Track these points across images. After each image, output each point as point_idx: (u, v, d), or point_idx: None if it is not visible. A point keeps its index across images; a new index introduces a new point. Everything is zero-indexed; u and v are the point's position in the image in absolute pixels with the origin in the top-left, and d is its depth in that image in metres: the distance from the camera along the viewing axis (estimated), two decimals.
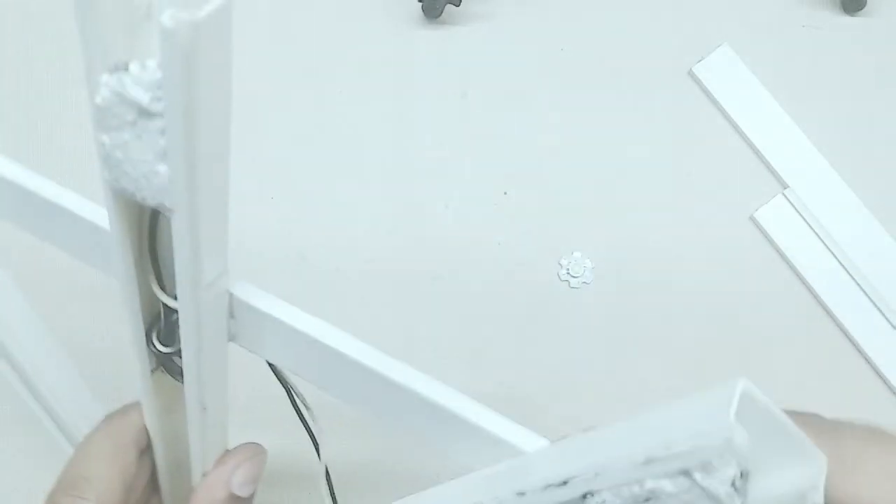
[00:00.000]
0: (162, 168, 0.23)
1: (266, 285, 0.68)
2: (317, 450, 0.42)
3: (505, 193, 0.72)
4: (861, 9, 0.76)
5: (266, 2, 0.76)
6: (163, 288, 0.29)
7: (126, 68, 0.22)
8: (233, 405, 0.37)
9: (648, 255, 0.70)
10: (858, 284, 0.70)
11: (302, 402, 0.39)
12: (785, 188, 0.72)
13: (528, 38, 0.76)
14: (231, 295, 0.31)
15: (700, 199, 0.72)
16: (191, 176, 0.23)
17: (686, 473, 0.21)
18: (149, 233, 0.28)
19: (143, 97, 0.22)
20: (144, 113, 0.22)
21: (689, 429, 0.21)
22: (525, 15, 0.76)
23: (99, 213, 0.29)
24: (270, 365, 0.37)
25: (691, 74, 0.75)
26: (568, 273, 0.69)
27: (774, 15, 0.77)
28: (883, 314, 0.69)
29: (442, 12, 0.74)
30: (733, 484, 0.22)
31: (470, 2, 0.76)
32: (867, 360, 0.69)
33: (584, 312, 0.69)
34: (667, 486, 0.22)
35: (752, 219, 0.71)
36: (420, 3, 0.73)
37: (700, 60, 0.75)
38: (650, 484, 0.22)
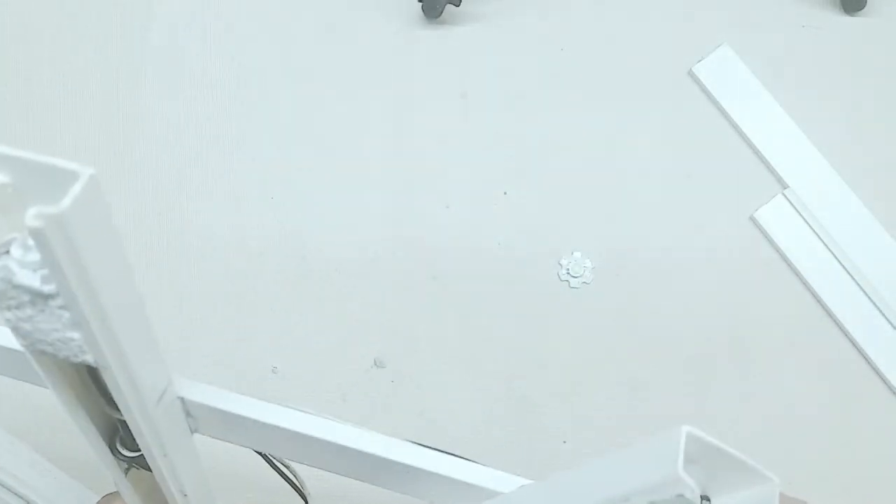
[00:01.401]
0: (75, 334, 0.22)
1: (266, 285, 0.68)
2: (305, 502, 0.42)
3: (505, 193, 0.72)
4: (861, 9, 0.76)
5: (266, 2, 0.76)
6: (113, 404, 0.29)
7: (8, 251, 0.21)
8: (219, 474, 0.37)
9: (648, 255, 0.70)
10: (858, 284, 0.70)
11: (283, 464, 0.39)
12: (785, 188, 0.72)
13: (528, 38, 0.76)
14: (183, 399, 0.31)
15: (700, 199, 0.72)
16: (109, 337, 0.22)
17: None
18: (78, 367, 0.27)
19: (33, 280, 0.21)
20: (39, 294, 0.21)
21: (644, 481, 0.22)
22: (525, 15, 0.77)
23: None
24: None
25: (691, 74, 0.75)
26: (568, 273, 0.69)
27: (774, 15, 0.77)
28: (883, 314, 0.69)
29: (442, 12, 0.74)
30: None
31: (470, 2, 0.76)
32: (867, 361, 0.69)
33: (584, 312, 0.69)
34: None
35: (752, 219, 0.71)
36: (420, 3, 0.73)
37: (700, 60, 0.75)
38: None
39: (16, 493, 0.43)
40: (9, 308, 0.22)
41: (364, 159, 0.72)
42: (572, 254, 0.70)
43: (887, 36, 0.77)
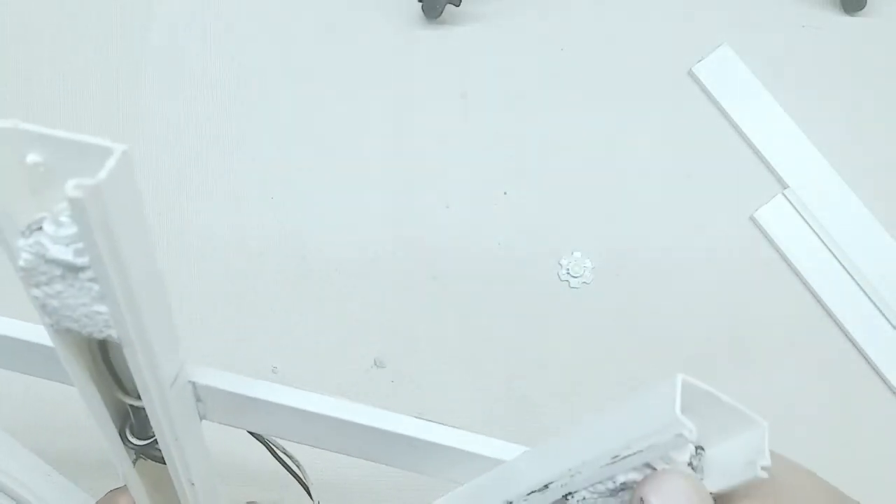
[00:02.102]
0: (102, 308, 0.23)
1: (266, 285, 0.68)
2: (309, 494, 0.42)
3: (505, 193, 0.72)
4: (861, 9, 0.76)
5: (266, 2, 0.76)
6: (125, 390, 0.30)
7: (41, 227, 0.22)
8: (221, 465, 0.37)
9: (648, 255, 0.70)
10: (858, 284, 0.70)
11: (285, 453, 0.39)
12: (785, 188, 0.72)
13: (528, 38, 0.76)
14: (194, 383, 0.32)
15: (700, 199, 0.72)
16: (133, 312, 0.23)
17: (649, 465, 0.24)
18: (99, 349, 0.29)
19: (67, 254, 0.22)
20: (71, 267, 0.22)
21: (644, 428, 0.23)
22: (525, 15, 0.76)
23: (43, 333, 0.30)
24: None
25: (691, 74, 0.75)
26: (568, 273, 0.69)
27: (774, 15, 0.77)
28: (883, 314, 0.69)
29: (442, 12, 0.74)
30: (690, 463, 0.25)
31: (470, 2, 0.76)
32: (867, 360, 0.69)
33: (584, 312, 0.69)
34: (635, 476, 0.25)
35: (752, 219, 0.71)
36: (420, 3, 0.73)
37: (700, 60, 0.75)
38: (621, 478, 0.25)
39: (16, 499, 0.44)
40: (38, 285, 0.23)
41: (364, 159, 0.72)
42: (572, 254, 0.70)
43: (887, 36, 0.77)
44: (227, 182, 0.71)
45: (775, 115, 0.74)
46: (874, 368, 0.68)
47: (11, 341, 0.32)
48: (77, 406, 0.29)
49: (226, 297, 0.68)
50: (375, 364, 0.67)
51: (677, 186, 0.72)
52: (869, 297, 0.69)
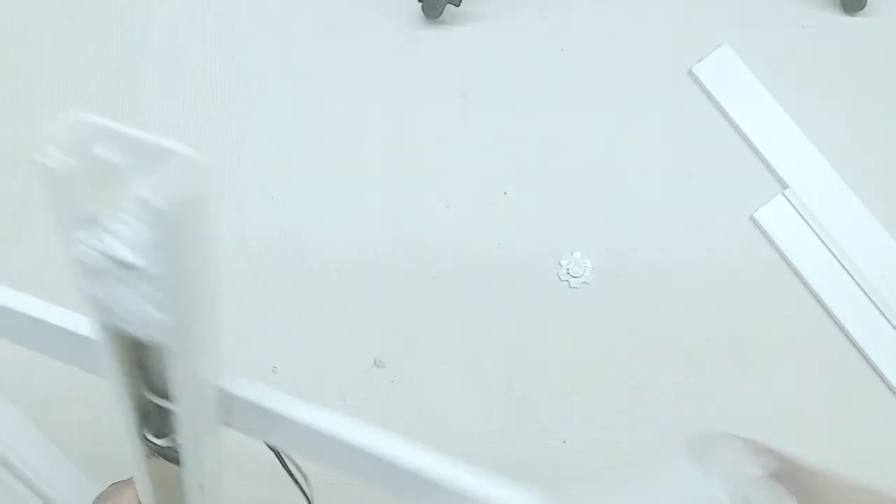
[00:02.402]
0: (149, 308, 0.23)
1: (266, 285, 0.68)
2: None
3: (505, 193, 0.72)
4: (861, 9, 0.76)
5: (266, 2, 0.76)
6: (152, 388, 0.30)
7: (96, 221, 0.22)
8: (229, 468, 0.37)
9: (648, 255, 0.70)
10: (858, 284, 0.70)
11: (295, 466, 0.39)
12: (785, 188, 0.72)
13: (528, 38, 0.76)
14: (223, 390, 0.31)
15: (700, 199, 0.72)
16: (186, 323, 0.23)
17: None
18: (133, 345, 0.29)
19: (127, 254, 0.22)
20: (129, 266, 0.22)
21: None
22: (525, 15, 0.77)
23: (83, 323, 0.30)
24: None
25: (691, 74, 0.75)
26: (568, 273, 0.69)
27: (774, 15, 0.77)
28: (883, 314, 0.69)
29: (442, 12, 0.74)
30: None
31: (470, 2, 0.76)
32: (867, 360, 0.69)
33: (584, 312, 0.69)
34: None
35: (752, 219, 0.71)
36: (420, 3, 0.73)
37: (700, 60, 0.75)
38: None
39: (22, 479, 0.44)
40: (92, 278, 0.23)
41: (364, 159, 0.72)
42: (572, 254, 0.70)
43: (887, 36, 0.77)
44: (227, 182, 0.71)
45: (775, 115, 0.74)
46: (874, 368, 0.68)
47: (50, 328, 0.31)
48: (94, 399, 0.29)
49: (226, 297, 0.68)
50: (375, 364, 0.67)
51: (677, 186, 0.72)
52: (869, 297, 0.69)
